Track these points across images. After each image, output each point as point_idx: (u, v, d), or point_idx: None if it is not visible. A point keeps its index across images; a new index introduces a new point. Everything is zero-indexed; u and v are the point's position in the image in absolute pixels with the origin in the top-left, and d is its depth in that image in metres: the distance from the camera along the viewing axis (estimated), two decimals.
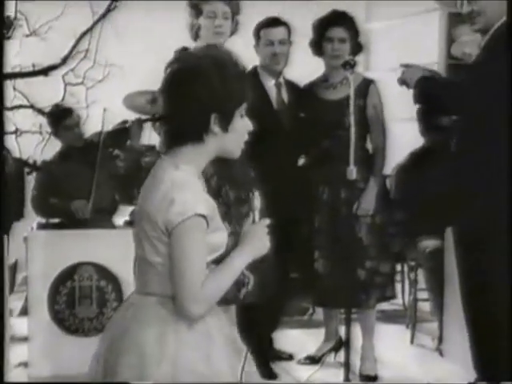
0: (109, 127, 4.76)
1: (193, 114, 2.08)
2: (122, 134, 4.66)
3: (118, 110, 5.20)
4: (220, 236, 2.15)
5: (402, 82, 3.58)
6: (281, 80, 4.11)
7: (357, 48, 4.12)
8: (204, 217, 2.04)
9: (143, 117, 4.25)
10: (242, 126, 2.16)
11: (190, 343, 2.08)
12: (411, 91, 3.55)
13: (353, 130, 3.65)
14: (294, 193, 4.01)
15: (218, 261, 2.14)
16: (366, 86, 4.06)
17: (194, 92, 2.07)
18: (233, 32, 3.62)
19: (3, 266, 3.52)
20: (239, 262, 2.14)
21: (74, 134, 4.80)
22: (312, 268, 4.06)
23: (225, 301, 2.14)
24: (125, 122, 4.69)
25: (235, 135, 2.15)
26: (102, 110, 4.80)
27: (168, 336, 2.06)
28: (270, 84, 4.07)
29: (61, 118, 4.83)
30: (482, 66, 3.49)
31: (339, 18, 4.09)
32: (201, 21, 3.53)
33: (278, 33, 4.06)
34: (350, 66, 3.76)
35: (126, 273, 3.68)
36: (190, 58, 2.25)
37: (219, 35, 3.52)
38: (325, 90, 4.13)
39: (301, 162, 4.29)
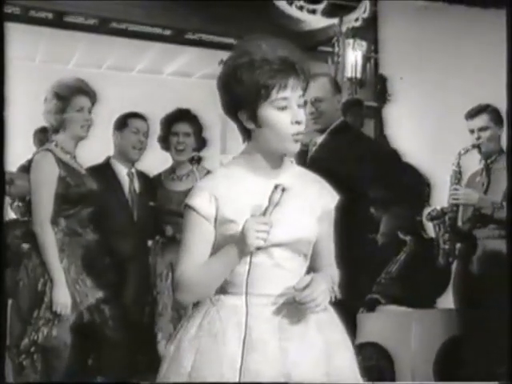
0: None
1: (226, 114, 2.22)
2: None
3: None
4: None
5: None
6: (133, 170, 4.32)
7: (201, 142, 4.46)
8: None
9: None
10: (278, 118, 2.16)
11: None
12: None
13: None
14: (142, 275, 4.21)
15: None
16: None
17: (220, 96, 2.21)
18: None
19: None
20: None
21: None
22: (155, 350, 4.14)
23: None
24: None
25: (270, 129, 2.17)
26: None
27: None
28: (122, 173, 4.28)
29: None
30: (320, 161, 3.87)
31: (184, 115, 4.41)
32: (67, 115, 3.72)
33: (144, 124, 4.33)
34: (195, 161, 4.15)
35: None
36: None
37: (85, 128, 3.75)
38: (171, 182, 4.38)
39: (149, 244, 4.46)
